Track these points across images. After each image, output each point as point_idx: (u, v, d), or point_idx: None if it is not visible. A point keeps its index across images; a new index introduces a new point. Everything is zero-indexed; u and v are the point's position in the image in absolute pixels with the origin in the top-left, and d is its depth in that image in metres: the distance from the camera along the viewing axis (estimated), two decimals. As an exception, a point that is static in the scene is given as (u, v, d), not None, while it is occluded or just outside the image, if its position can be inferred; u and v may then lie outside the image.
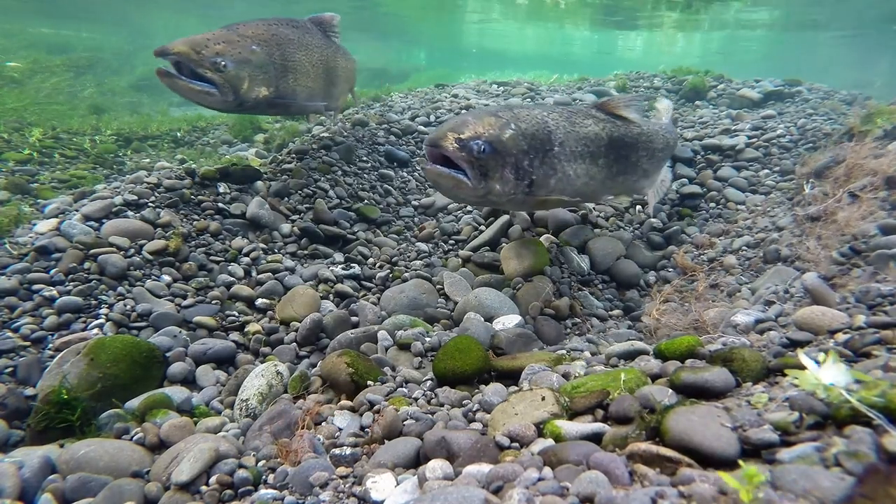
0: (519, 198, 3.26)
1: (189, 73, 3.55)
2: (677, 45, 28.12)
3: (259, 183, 4.52)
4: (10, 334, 2.80)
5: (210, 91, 3.60)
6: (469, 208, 4.88)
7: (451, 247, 4.42)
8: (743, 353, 1.83)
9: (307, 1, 20.37)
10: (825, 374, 1.41)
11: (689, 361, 2.01)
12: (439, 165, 2.98)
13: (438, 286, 3.75)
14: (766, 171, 5.17)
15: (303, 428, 2.07)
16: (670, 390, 1.71)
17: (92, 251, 3.28)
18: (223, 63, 3.59)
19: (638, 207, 5.24)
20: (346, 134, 5.60)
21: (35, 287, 3.05)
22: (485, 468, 1.44)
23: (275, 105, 4.14)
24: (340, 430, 2.19)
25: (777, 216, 4.32)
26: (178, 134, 7.44)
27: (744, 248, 4.15)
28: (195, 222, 3.92)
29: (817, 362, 1.47)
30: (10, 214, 3.70)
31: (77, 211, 3.63)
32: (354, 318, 3.39)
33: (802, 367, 1.51)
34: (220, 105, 3.78)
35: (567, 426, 1.63)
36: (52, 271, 3.15)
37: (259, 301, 3.54)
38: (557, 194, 3.42)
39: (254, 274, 3.77)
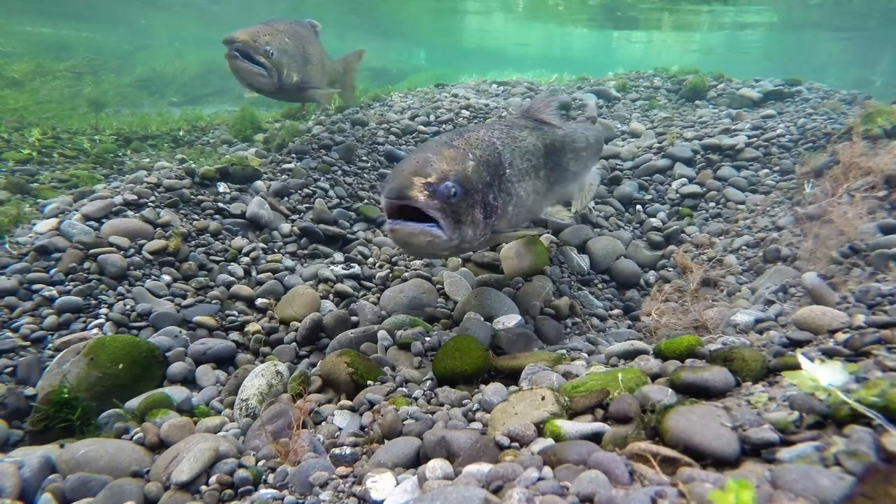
0: (486, 238, 2.87)
1: (245, 58, 4.26)
2: (676, 44, 28.12)
3: (259, 182, 4.52)
4: (10, 334, 2.81)
5: (262, 73, 4.31)
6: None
7: (450, 246, 4.40)
8: (743, 352, 1.83)
9: (305, 2, 20.38)
10: (822, 375, 1.41)
11: (688, 361, 2.01)
12: (401, 221, 2.44)
13: (438, 286, 3.75)
14: (766, 170, 5.17)
15: (298, 428, 2.07)
16: (670, 390, 1.71)
17: (92, 251, 3.28)
18: (271, 51, 4.33)
19: (638, 207, 5.24)
20: (346, 133, 5.60)
21: (35, 287, 3.05)
22: (485, 468, 1.44)
23: (299, 90, 4.83)
24: (340, 429, 2.20)
25: (777, 216, 4.32)
26: (179, 134, 7.43)
27: (744, 247, 4.15)
28: (195, 222, 3.92)
29: (811, 360, 1.47)
30: (11, 214, 3.69)
31: (77, 211, 3.63)
32: (354, 318, 3.39)
33: (798, 368, 1.51)
34: (268, 86, 4.45)
35: (567, 426, 1.63)
36: (52, 271, 3.15)
37: (259, 301, 3.54)
38: (515, 220, 3.09)
39: (254, 274, 3.77)
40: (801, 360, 1.52)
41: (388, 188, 2.43)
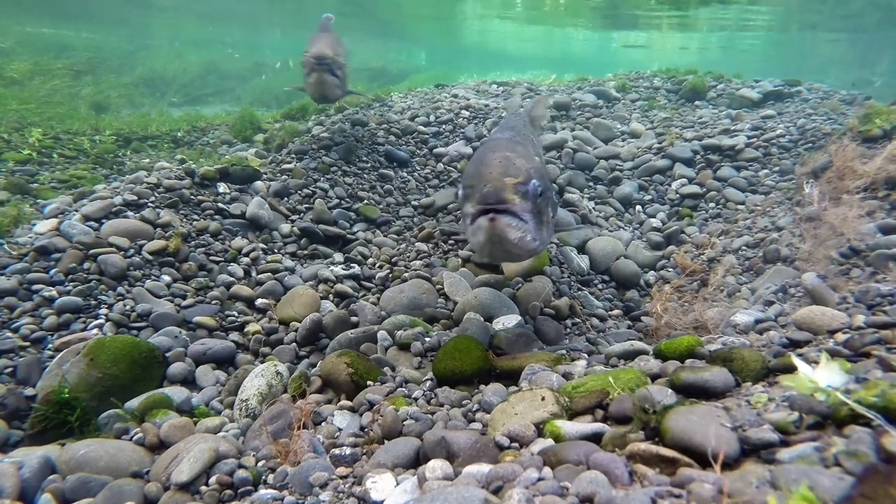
0: (550, 237, 2.65)
1: (328, 70, 4.63)
2: (676, 44, 28.11)
3: (259, 183, 4.52)
4: (10, 334, 2.81)
5: (338, 84, 4.70)
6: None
7: (450, 247, 4.42)
8: (743, 353, 1.83)
9: (304, 2, 20.37)
10: (820, 376, 1.41)
11: (688, 361, 2.01)
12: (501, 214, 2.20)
13: (438, 286, 3.75)
14: (766, 171, 5.17)
15: (299, 428, 2.07)
16: (670, 390, 1.71)
17: (92, 251, 3.28)
18: (343, 62, 4.75)
19: (638, 207, 5.24)
20: (346, 134, 5.60)
21: (35, 287, 3.05)
22: (484, 468, 1.44)
23: (344, 96, 5.17)
24: (340, 430, 2.20)
25: (777, 216, 4.32)
26: (178, 134, 7.43)
27: (744, 248, 4.15)
28: (195, 222, 3.92)
29: (810, 364, 1.47)
30: (11, 214, 3.69)
31: (77, 211, 3.63)
32: (354, 318, 3.39)
33: (794, 371, 1.51)
34: (336, 94, 4.83)
35: (567, 426, 1.63)
36: (52, 271, 3.15)
37: (259, 301, 3.54)
38: None
39: (254, 274, 3.77)
40: (797, 362, 1.52)
41: (484, 192, 2.20)
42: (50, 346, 2.82)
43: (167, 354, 2.89)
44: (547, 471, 1.38)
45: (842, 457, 1.19)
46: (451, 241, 4.48)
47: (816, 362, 1.51)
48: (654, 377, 1.95)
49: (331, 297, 3.68)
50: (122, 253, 3.38)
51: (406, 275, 3.88)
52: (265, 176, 4.65)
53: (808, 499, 0.99)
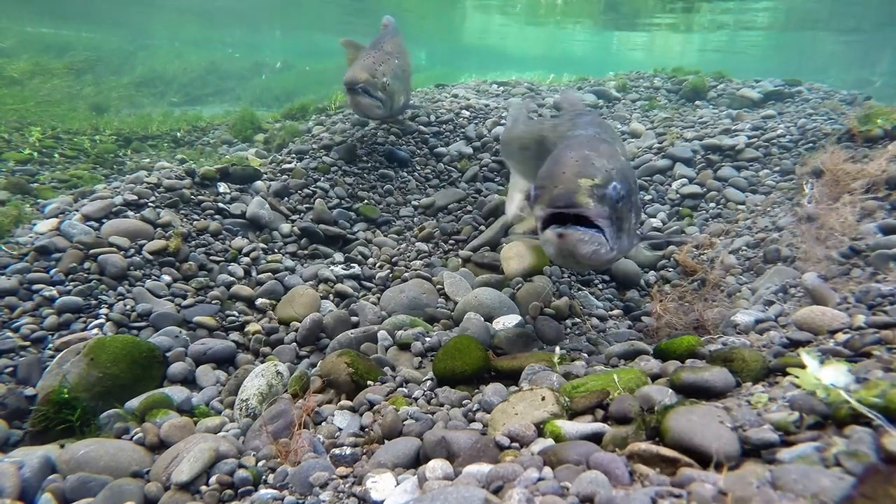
0: (633, 246, 2.43)
1: (364, 93, 4.46)
2: (676, 45, 28.11)
3: (259, 183, 4.52)
4: (10, 334, 2.81)
5: (378, 105, 4.51)
6: (469, 207, 4.88)
7: (451, 247, 4.42)
8: (743, 353, 1.83)
9: (305, 3, 20.38)
10: (825, 375, 1.41)
11: (689, 361, 2.01)
12: (570, 226, 2.06)
13: (438, 286, 3.75)
14: (766, 170, 5.16)
15: (300, 427, 2.07)
16: (670, 390, 1.71)
17: (92, 251, 3.28)
18: (387, 81, 4.50)
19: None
20: (346, 133, 5.60)
21: (35, 287, 3.05)
22: (485, 468, 1.44)
23: (404, 109, 4.93)
24: (340, 430, 2.20)
25: (777, 216, 4.31)
26: (178, 134, 7.43)
27: (744, 248, 4.14)
28: (195, 222, 3.92)
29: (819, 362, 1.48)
30: (11, 214, 3.69)
31: (77, 211, 3.63)
32: (354, 318, 3.39)
33: (803, 366, 1.51)
34: (380, 115, 4.70)
35: (567, 426, 1.63)
36: (52, 271, 3.15)
37: (259, 301, 3.54)
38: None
39: (254, 274, 3.77)
40: (805, 358, 1.52)
41: (553, 195, 2.05)
42: (50, 345, 2.82)
43: (167, 354, 2.89)
44: (547, 471, 1.38)
45: (842, 457, 1.19)
46: (451, 241, 4.48)
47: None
48: (655, 377, 1.95)
49: (331, 296, 3.68)
50: (122, 253, 3.38)
51: (406, 275, 3.88)
52: (265, 176, 4.65)
53: None
